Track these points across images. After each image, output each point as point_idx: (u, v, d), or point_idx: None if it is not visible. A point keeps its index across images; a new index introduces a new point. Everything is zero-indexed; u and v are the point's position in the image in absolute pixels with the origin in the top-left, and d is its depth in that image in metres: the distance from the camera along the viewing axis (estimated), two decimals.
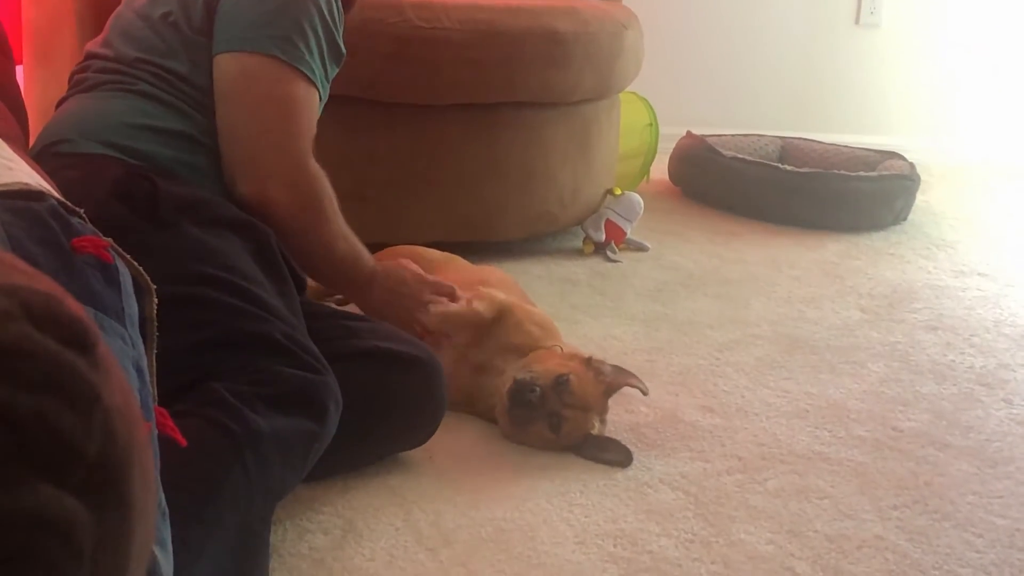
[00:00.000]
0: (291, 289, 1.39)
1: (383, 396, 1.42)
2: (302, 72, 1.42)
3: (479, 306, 1.67)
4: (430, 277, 1.68)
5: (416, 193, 2.37)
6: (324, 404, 1.22)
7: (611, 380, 1.62)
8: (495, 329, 1.68)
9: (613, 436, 1.62)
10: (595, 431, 1.59)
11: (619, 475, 1.53)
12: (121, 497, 0.50)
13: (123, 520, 0.50)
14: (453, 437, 1.61)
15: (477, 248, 2.40)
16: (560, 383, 1.56)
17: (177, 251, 1.25)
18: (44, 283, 0.53)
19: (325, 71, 1.48)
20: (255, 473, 1.11)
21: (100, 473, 0.49)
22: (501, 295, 1.72)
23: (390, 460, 1.52)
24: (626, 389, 1.67)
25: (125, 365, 0.78)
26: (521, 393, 1.55)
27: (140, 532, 0.52)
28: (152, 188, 1.30)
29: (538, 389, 1.55)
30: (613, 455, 1.58)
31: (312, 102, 1.46)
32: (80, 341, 0.50)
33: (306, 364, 1.23)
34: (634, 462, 1.57)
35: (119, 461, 0.50)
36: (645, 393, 1.65)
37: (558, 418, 1.56)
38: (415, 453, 1.54)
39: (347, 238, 1.51)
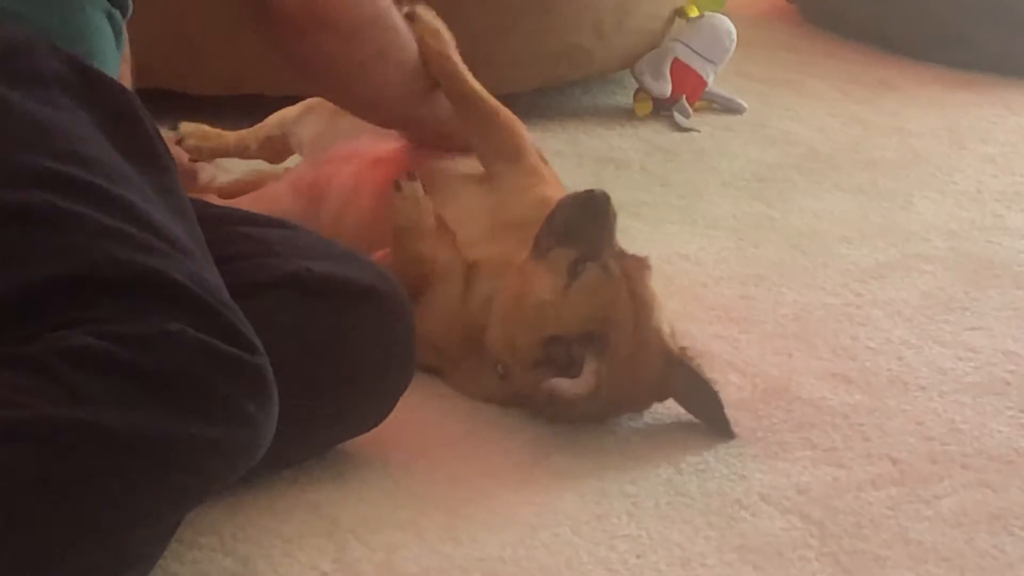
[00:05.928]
0: (172, 181, 1.36)
1: (312, 351, 1.44)
2: None
3: None
4: None
5: None
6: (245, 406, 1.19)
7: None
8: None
9: (676, 418, 1.65)
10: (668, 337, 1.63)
11: (692, 487, 1.54)
12: None
13: None
14: (419, 420, 1.61)
15: None
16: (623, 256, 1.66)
17: None
18: None
19: None
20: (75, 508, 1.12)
21: None
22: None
23: (315, 458, 1.52)
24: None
25: None
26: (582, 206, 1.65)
27: None
28: None
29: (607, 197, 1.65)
30: (706, 408, 1.62)
31: None
32: None
33: (228, 330, 1.20)
34: (720, 466, 1.58)
35: None
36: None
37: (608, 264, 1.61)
38: (356, 446, 1.54)
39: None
